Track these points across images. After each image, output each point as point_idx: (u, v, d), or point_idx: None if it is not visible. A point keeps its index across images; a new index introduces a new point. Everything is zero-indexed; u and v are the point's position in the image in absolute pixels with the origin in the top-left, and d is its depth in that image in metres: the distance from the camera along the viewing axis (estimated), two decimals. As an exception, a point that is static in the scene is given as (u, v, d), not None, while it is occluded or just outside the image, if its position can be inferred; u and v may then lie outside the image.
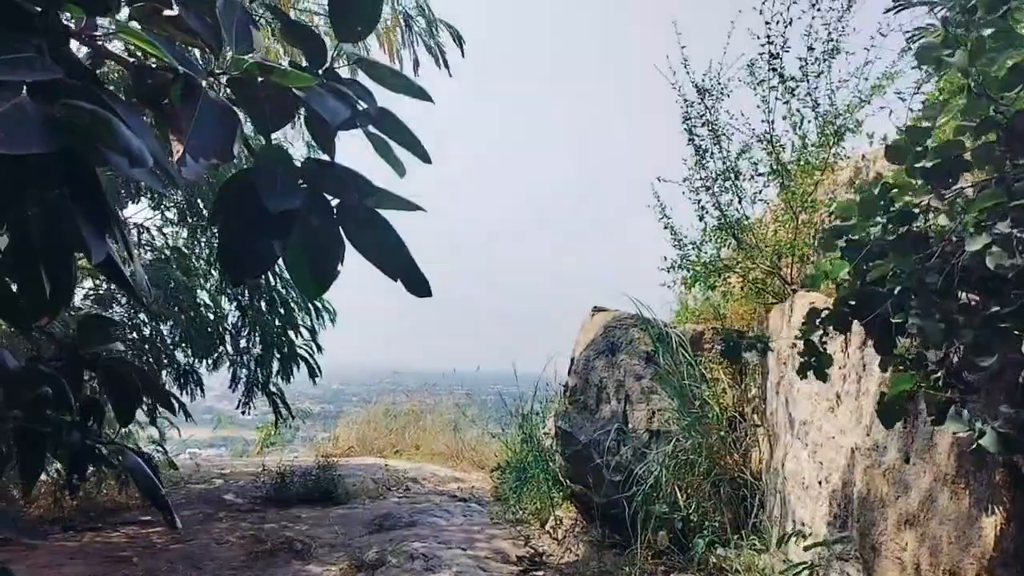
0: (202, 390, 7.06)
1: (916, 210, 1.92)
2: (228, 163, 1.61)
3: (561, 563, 6.01)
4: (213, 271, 7.46)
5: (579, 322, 7.64)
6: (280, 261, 1.68)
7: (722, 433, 5.50)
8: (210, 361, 7.35)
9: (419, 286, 1.88)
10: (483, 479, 9.99)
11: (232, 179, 1.66)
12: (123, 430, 7.95)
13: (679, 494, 5.20)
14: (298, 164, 1.75)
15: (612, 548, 5.86)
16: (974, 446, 1.77)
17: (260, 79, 1.73)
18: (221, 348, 7.22)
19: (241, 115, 1.67)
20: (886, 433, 3.04)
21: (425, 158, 2.18)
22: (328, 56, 2.05)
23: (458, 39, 7.39)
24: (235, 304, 7.50)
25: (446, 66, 7.39)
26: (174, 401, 6.28)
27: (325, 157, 1.88)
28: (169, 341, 6.95)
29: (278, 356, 7.30)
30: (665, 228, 6.33)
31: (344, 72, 2.61)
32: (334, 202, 1.76)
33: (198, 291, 7.19)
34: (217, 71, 1.69)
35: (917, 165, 1.85)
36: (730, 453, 5.41)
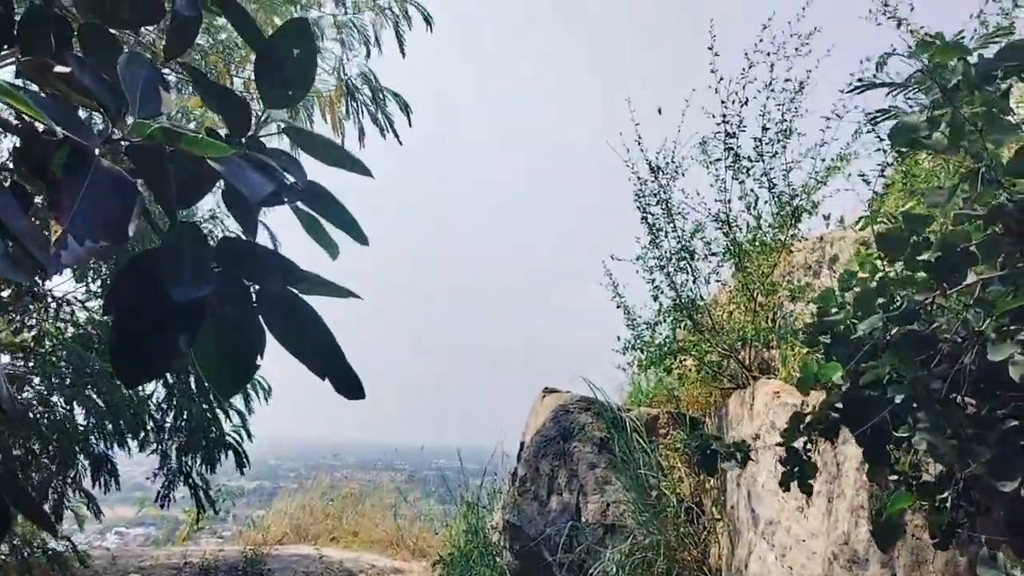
0: (117, 482, 6.48)
1: (918, 308, 1.70)
2: (122, 245, 1.30)
3: (509, 671, 5.54)
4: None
5: (530, 401, 7.31)
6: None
7: (680, 528, 5.17)
8: (135, 444, 6.79)
9: (350, 387, 1.58)
10: (425, 570, 9.41)
11: (132, 261, 1.36)
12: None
13: (635, 595, 4.84)
14: (213, 244, 1.47)
15: (564, 654, 5.42)
16: (1014, 599, 1.51)
17: (169, 148, 1.45)
18: (143, 434, 6.68)
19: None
20: (866, 543, 2.78)
21: (362, 239, 1.91)
22: (252, 123, 1.77)
23: (405, 108, 7.22)
24: (161, 388, 7.00)
25: (395, 135, 7.20)
26: (84, 495, 5.69)
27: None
28: (84, 428, 6.39)
29: (203, 444, 6.78)
30: (619, 308, 6.13)
31: (276, 142, 2.33)
32: (255, 287, 1.47)
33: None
34: (116, 137, 1.40)
35: (920, 257, 1.64)
36: (688, 549, 5.08)
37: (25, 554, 6.65)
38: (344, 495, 12.82)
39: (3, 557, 6.63)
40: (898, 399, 1.69)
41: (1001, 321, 1.51)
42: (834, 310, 2.04)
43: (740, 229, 5.15)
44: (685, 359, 5.65)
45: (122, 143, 1.39)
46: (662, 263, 5.47)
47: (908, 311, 1.69)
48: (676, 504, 5.35)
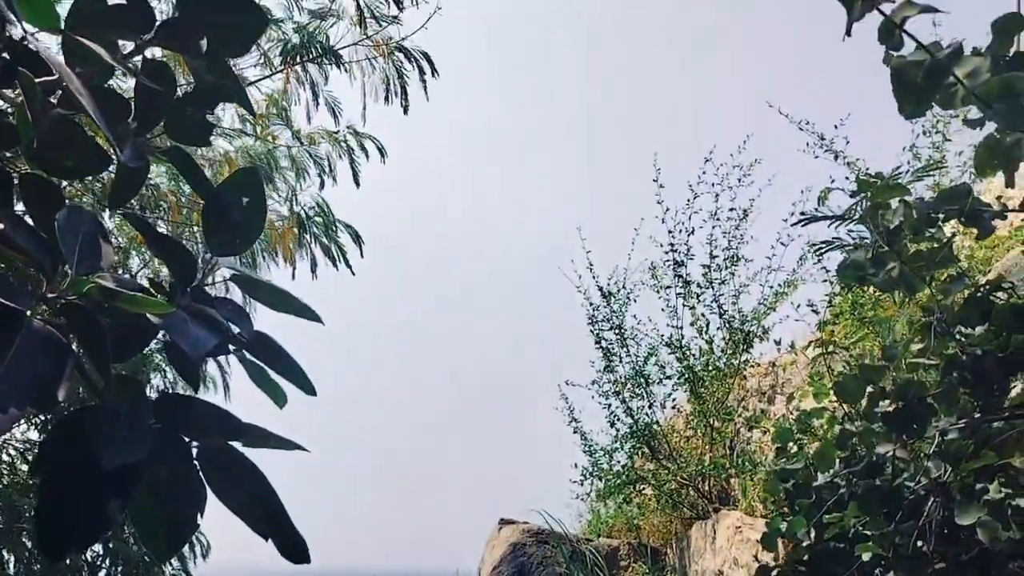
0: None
1: (881, 461, 1.66)
2: (50, 411, 1.19)
3: None
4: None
5: (487, 522, 7.03)
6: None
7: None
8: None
9: (295, 550, 1.44)
10: None
11: (61, 422, 1.25)
12: None
13: None
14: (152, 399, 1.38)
15: None
16: None
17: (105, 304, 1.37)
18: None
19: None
20: None
21: (309, 390, 1.82)
22: (197, 273, 1.70)
23: (357, 239, 7.22)
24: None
25: (347, 266, 7.17)
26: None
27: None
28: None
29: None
30: (575, 433, 6.01)
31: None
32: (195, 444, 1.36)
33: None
34: (50, 296, 1.32)
35: (877, 409, 1.61)
36: None
37: None
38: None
39: None
40: (866, 557, 1.62)
41: (966, 480, 1.47)
42: (794, 459, 1.99)
43: (693, 354, 5.15)
44: (644, 488, 5.52)
45: (57, 302, 1.31)
46: (617, 388, 5.42)
47: (870, 465, 1.64)
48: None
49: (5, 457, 6.59)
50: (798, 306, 4.46)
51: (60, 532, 1.19)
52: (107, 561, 6.46)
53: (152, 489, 1.35)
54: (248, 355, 1.74)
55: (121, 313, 1.43)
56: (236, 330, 1.63)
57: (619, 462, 5.64)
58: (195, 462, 1.36)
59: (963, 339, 1.56)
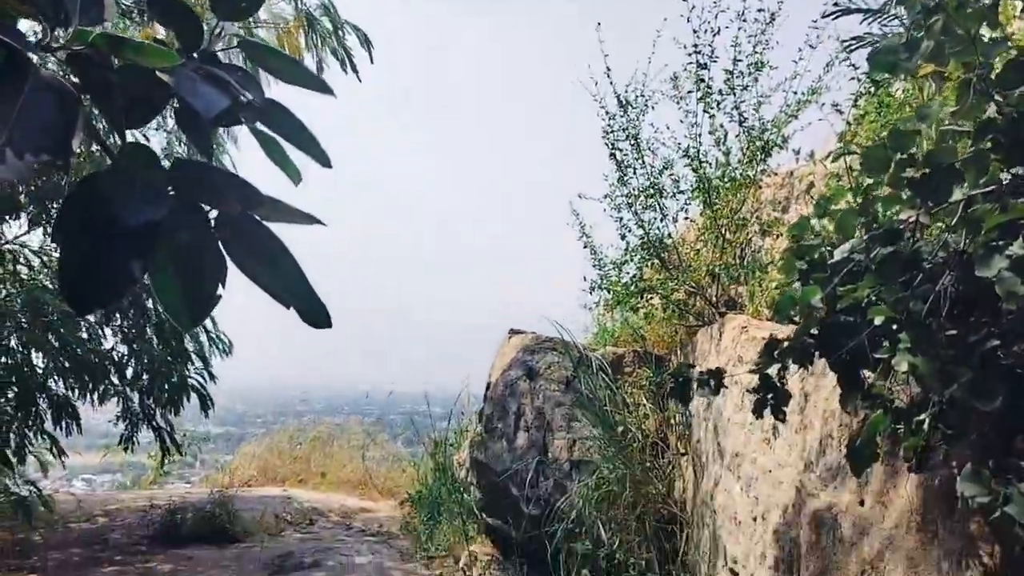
0: (79, 425, 6.34)
1: (902, 227, 1.66)
2: (64, 160, 1.19)
3: (477, 604, 5.61)
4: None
5: (496, 346, 7.29)
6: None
7: (646, 463, 5.22)
8: (95, 396, 6.64)
9: (316, 316, 1.49)
10: (393, 509, 9.48)
11: (80, 184, 1.25)
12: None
13: (602, 529, 4.88)
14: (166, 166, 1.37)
15: (531, 587, 5.50)
16: (997, 514, 1.49)
17: (115, 60, 1.33)
18: (106, 381, 6.52)
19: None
20: (835, 471, 2.80)
21: (324, 160, 1.80)
22: (204, 37, 1.64)
23: (366, 42, 6.96)
24: (119, 333, 6.83)
25: (354, 71, 6.95)
26: (47, 438, 5.55)
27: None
28: (43, 372, 6.22)
29: (166, 387, 6.64)
30: (585, 247, 6.08)
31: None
32: (213, 212, 1.37)
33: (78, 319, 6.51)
34: (54, 45, 1.28)
35: (904, 175, 1.59)
36: (654, 483, 5.14)
37: (-13, 499, 6.54)
38: (312, 438, 12.81)
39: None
40: (878, 321, 1.66)
41: (989, 236, 1.47)
42: (811, 236, 1.99)
43: (709, 165, 5.08)
44: (651, 298, 5.63)
45: (62, 52, 1.28)
46: (630, 201, 5.41)
47: (891, 231, 1.64)
48: (641, 440, 5.39)
49: (22, 261, 6.75)
50: (822, 104, 4.34)
51: (86, 289, 1.21)
52: (132, 360, 6.76)
53: (172, 257, 1.37)
54: (261, 126, 1.71)
55: (131, 72, 1.39)
56: (247, 97, 1.60)
57: (628, 273, 5.73)
58: (213, 231, 1.37)
59: (1002, 100, 1.51)
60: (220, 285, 1.44)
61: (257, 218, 1.44)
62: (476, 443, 6.40)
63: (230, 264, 1.42)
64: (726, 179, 5.03)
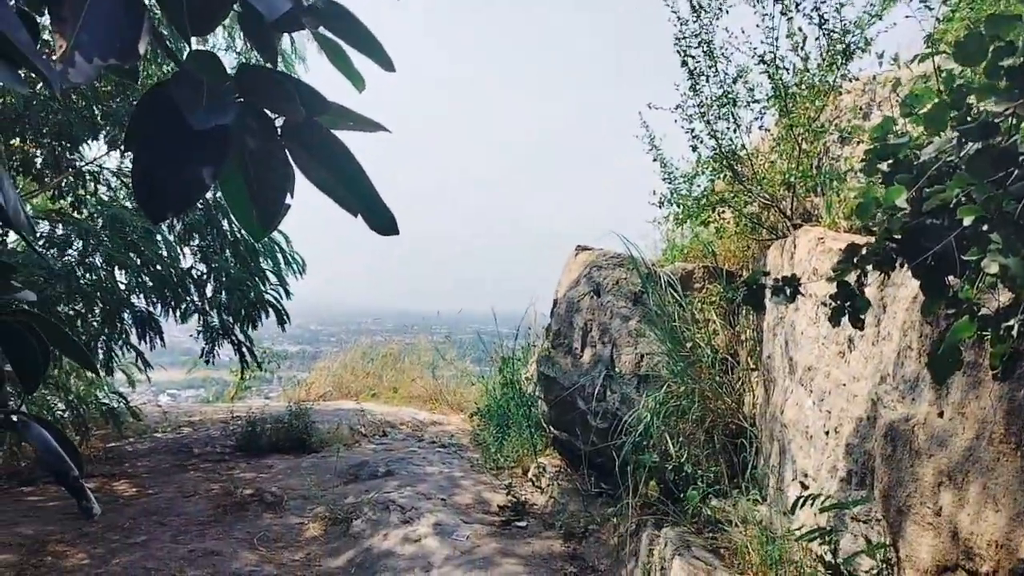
0: (162, 338, 6.64)
1: (997, 120, 1.55)
2: (132, 63, 1.20)
3: (545, 512, 5.76)
4: (175, 221, 6.99)
5: (561, 264, 7.27)
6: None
7: (716, 378, 5.19)
8: (177, 313, 6.93)
9: (384, 222, 1.50)
10: (463, 423, 9.75)
11: (149, 93, 1.27)
12: (86, 377, 7.58)
13: (670, 442, 4.91)
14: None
15: (599, 497, 5.60)
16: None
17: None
18: (187, 298, 6.79)
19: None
20: (913, 383, 2.72)
21: (388, 65, 1.77)
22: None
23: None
24: (198, 252, 7.05)
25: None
26: (132, 351, 5.80)
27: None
28: (126, 288, 6.49)
29: (244, 303, 6.87)
30: (655, 161, 5.94)
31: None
32: (278, 121, 1.37)
33: (158, 237, 6.74)
34: None
35: (1002, 63, 1.47)
36: (723, 398, 5.12)
37: (81, 410, 6.95)
38: (383, 355, 13.16)
39: (61, 413, 6.95)
40: (967, 222, 1.57)
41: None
42: (896, 136, 1.88)
43: (787, 71, 4.85)
44: (723, 211, 5.49)
45: None
46: (703, 111, 5.22)
47: (985, 124, 1.53)
48: (711, 355, 5.35)
49: (101, 181, 6.96)
50: (910, 1, 4.06)
51: (159, 193, 1.23)
52: (210, 278, 7.00)
53: (240, 164, 1.37)
54: (324, 31, 1.68)
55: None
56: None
57: (699, 186, 5.59)
58: (279, 138, 1.37)
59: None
60: (289, 193, 1.45)
61: (322, 125, 1.44)
62: (543, 358, 6.46)
63: (306, 182, 1.43)
64: (804, 86, 4.80)
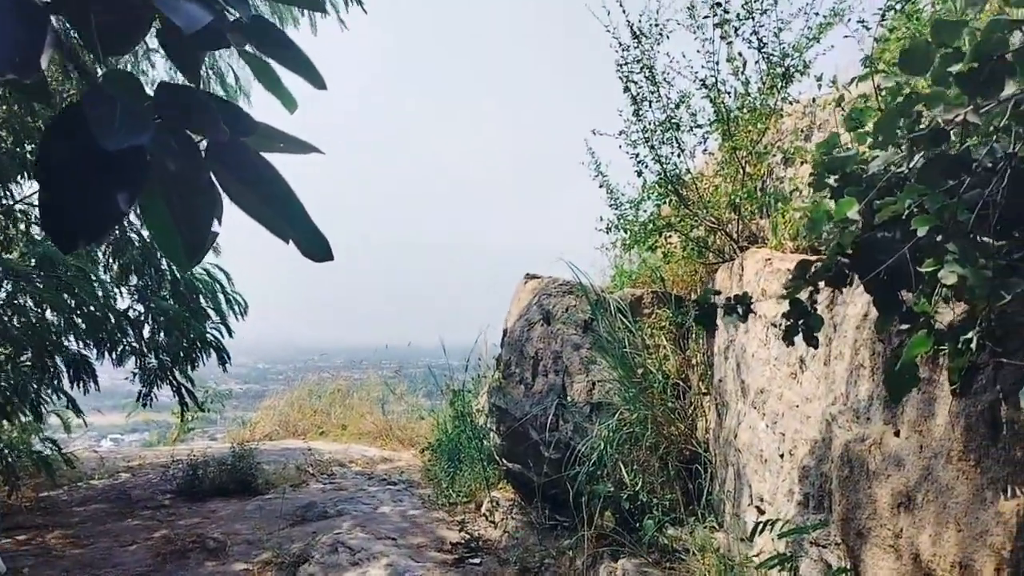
0: (96, 382, 6.33)
1: (948, 127, 1.51)
2: (29, 78, 1.09)
3: (499, 547, 5.60)
4: (112, 260, 6.73)
5: (511, 293, 7.20)
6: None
7: (668, 403, 5.14)
8: (113, 355, 6.63)
9: (317, 248, 1.40)
10: (414, 458, 9.53)
11: (60, 114, 1.16)
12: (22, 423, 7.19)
13: (624, 471, 4.82)
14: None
15: (554, 530, 5.47)
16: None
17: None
18: (124, 340, 6.50)
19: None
20: (867, 402, 2.69)
21: (318, 82, 1.68)
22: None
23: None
24: (135, 293, 6.79)
25: (358, 2, 6.74)
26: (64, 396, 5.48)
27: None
28: (57, 331, 6.19)
29: (183, 344, 6.61)
30: (601, 187, 5.93)
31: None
32: (203, 144, 1.27)
33: (93, 277, 6.46)
34: None
35: (950, 70, 1.44)
36: (676, 424, 5.06)
37: (10, 459, 6.58)
38: (332, 391, 12.88)
39: (-12, 461, 6.56)
40: (921, 233, 1.52)
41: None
42: (845, 146, 1.85)
43: (728, 95, 4.89)
44: (670, 236, 5.49)
45: None
46: (647, 136, 5.22)
47: (936, 131, 1.50)
48: (662, 381, 5.31)
49: (34, 219, 6.69)
50: (848, 20, 4.11)
51: (70, 223, 1.12)
52: (149, 318, 6.72)
53: (161, 189, 1.26)
54: (250, 48, 1.59)
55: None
56: (233, 16, 1.48)
57: (645, 211, 5.59)
58: (203, 160, 1.27)
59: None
60: (216, 220, 1.34)
61: (249, 146, 1.33)
62: (494, 389, 6.35)
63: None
64: (746, 109, 4.83)
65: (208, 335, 6.95)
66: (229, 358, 6.88)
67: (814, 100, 4.59)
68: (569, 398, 5.60)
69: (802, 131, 4.60)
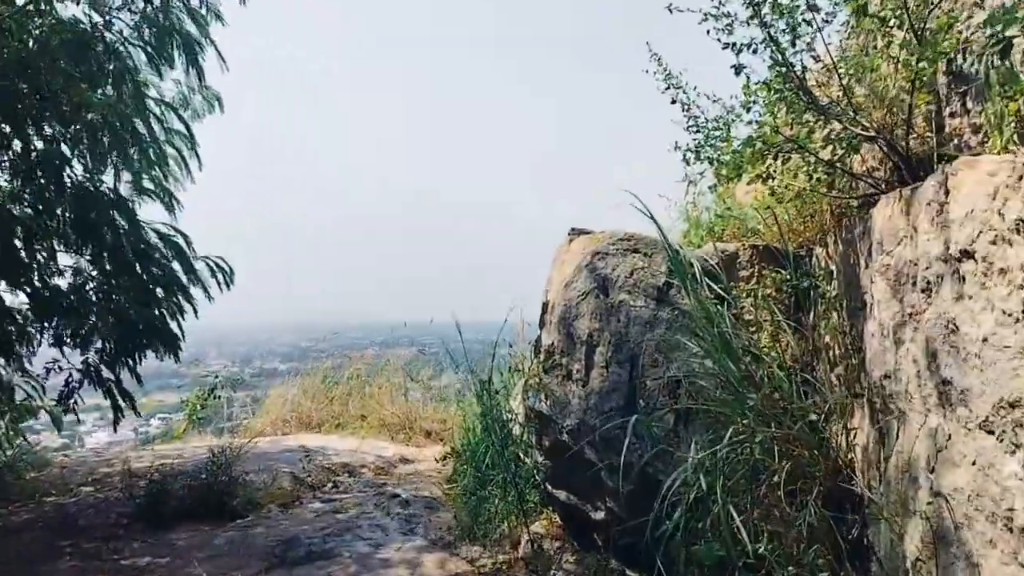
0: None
1: None
2: None
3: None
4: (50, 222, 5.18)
5: (551, 256, 5.43)
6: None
7: (798, 412, 3.38)
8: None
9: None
10: (437, 455, 7.87)
11: None
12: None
13: (736, 518, 3.08)
14: None
15: (625, 595, 3.77)
16: None
17: None
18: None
19: None
20: None
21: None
22: None
23: None
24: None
25: None
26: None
27: None
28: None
29: (124, 331, 5.01)
30: (673, 103, 4.11)
31: None
32: None
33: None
34: None
35: None
36: (813, 445, 3.30)
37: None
38: (349, 376, 11.35)
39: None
40: None
41: None
42: None
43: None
44: (788, 158, 3.68)
45: None
46: (756, 7, 3.41)
47: None
48: (780, 375, 3.55)
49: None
50: None
51: None
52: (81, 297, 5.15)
53: None
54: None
55: None
56: None
57: (746, 121, 3.78)
58: None
59: None
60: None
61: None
62: (532, 386, 4.63)
63: None
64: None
65: (160, 319, 5.33)
66: (181, 346, 5.24)
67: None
68: (641, 402, 3.87)
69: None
